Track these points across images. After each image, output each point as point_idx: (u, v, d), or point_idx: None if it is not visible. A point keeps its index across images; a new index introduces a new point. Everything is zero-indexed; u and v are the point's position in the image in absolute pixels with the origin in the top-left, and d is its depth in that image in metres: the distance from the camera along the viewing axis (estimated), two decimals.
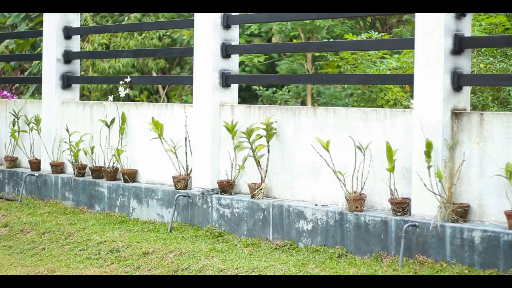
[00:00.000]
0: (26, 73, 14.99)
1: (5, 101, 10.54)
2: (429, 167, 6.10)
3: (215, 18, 7.76)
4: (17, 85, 14.81)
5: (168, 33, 14.35)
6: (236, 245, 6.92)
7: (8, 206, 9.22)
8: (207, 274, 6.08)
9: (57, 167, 9.32)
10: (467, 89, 6.33)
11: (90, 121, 9.17)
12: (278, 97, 13.45)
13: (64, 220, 8.24)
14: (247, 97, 15.08)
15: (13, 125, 10.07)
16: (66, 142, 9.21)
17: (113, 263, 6.75)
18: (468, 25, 6.32)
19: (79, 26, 9.76)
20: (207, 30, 7.77)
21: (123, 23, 13.69)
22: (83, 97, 13.80)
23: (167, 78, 13.42)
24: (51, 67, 9.56)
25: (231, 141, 7.54)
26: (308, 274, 5.83)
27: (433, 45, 6.18)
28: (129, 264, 6.63)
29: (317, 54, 13.04)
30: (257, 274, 5.96)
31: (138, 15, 13.82)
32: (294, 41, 13.80)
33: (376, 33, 10.40)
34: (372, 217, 6.35)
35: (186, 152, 7.96)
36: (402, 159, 6.42)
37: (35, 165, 9.67)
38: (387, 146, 6.31)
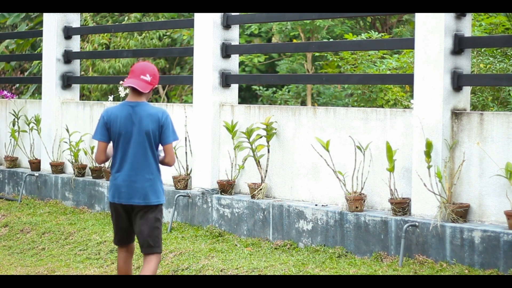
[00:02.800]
0: (26, 73, 14.99)
1: (5, 101, 10.54)
2: (429, 167, 6.10)
3: (215, 18, 7.76)
4: (17, 85, 14.81)
5: (168, 33, 14.36)
6: (236, 245, 6.92)
7: (8, 206, 9.22)
8: (207, 274, 6.08)
9: (57, 167, 9.32)
10: (467, 89, 6.33)
11: (90, 121, 9.17)
12: (278, 97, 13.45)
13: (64, 220, 8.24)
14: (247, 97, 15.08)
15: (13, 125, 10.07)
16: (66, 142, 9.21)
17: (113, 263, 6.74)
18: (468, 25, 6.32)
19: (79, 26, 9.76)
20: (207, 30, 7.77)
21: (123, 23, 13.69)
22: (83, 97, 13.80)
23: (167, 78, 13.39)
24: (51, 67, 9.56)
25: (231, 141, 7.54)
26: (308, 274, 5.83)
27: (433, 45, 6.18)
28: None
29: (317, 54, 13.04)
30: (257, 274, 5.96)
31: (138, 15, 13.82)
32: (294, 41, 13.80)
33: (376, 33, 10.40)
34: (372, 217, 6.35)
35: (186, 152, 7.96)
36: (402, 159, 6.42)
37: (35, 165, 9.67)
38: (387, 146, 6.31)
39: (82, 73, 13.57)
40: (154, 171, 5.02)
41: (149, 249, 5.03)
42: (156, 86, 5.14)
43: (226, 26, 7.80)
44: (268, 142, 7.29)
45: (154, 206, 5.02)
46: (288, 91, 13.54)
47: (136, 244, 5.29)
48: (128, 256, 5.20)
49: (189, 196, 7.68)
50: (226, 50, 7.79)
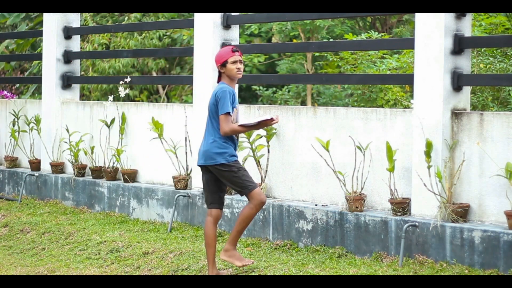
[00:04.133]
0: (26, 73, 14.99)
1: (5, 101, 10.55)
2: (429, 167, 6.10)
3: (215, 18, 7.76)
4: (17, 85, 14.81)
5: (168, 33, 14.35)
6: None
7: (8, 206, 9.22)
8: (207, 274, 6.08)
9: (57, 167, 9.32)
10: (467, 89, 6.33)
11: (90, 121, 9.18)
12: (278, 97, 13.45)
13: (64, 220, 8.24)
14: (247, 97, 15.08)
15: (13, 125, 10.07)
16: (66, 142, 9.21)
17: (113, 263, 6.75)
18: (468, 25, 6.32)
19: (79, 26, 9.76)
20: (207, 30, 7.77)
21: (123, 23, 13.69)
22: (83, 97, 13.80)
23: (167, 78, 13.42)
24: (51, 67, 9.56)
25: None
26: (308, 274, 5.83)
27: (433, 45, 6.18)
28: (129, 264, 6.63)
29: (317, 54, 13.04)
30: (257, 274, 5.96)
31: (138, 15, 13.82)
32: (294, 41, 13.80)
33: (376, 33, 10.40)
34: (372, 217, 6.35)
35: (186, 152, 7.96)
36: (402, 159, 6.42)
37: (35, 165, 9.67)
38: (387, 146, 6.31)
39: (82, 73, 13.57)
40: (215, 138, 5.85)
41: (242, 193, 5.89)
42: (223, 62, 5.97)
43: (226, 26, 7.80)
44: (268, 142, 7.29)
45: (219, 165, 5.81)
46: (288, 91, 13.54)
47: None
48: (212, 221, 5.93)
49: (189, 196, 7.68)
50: None
